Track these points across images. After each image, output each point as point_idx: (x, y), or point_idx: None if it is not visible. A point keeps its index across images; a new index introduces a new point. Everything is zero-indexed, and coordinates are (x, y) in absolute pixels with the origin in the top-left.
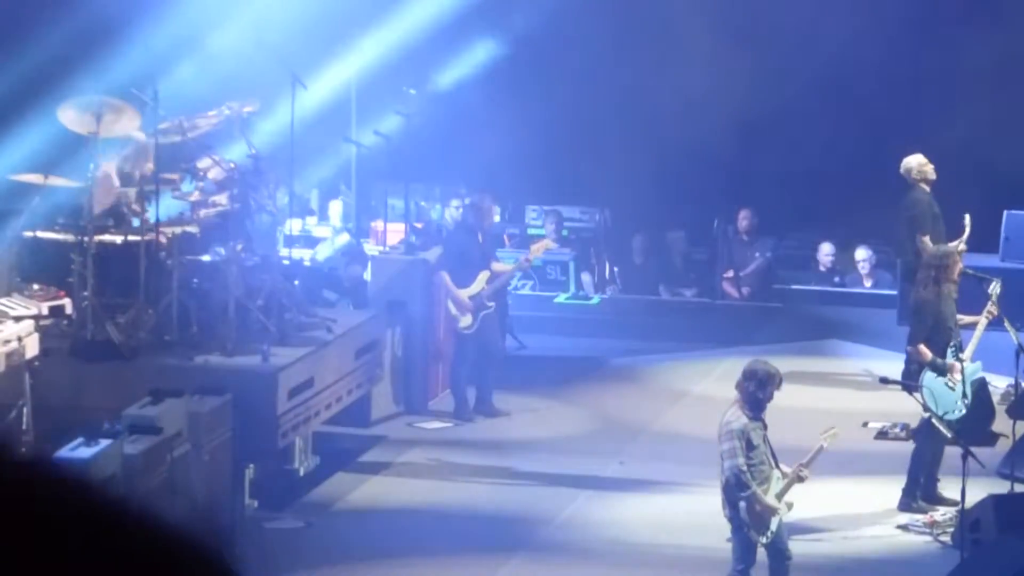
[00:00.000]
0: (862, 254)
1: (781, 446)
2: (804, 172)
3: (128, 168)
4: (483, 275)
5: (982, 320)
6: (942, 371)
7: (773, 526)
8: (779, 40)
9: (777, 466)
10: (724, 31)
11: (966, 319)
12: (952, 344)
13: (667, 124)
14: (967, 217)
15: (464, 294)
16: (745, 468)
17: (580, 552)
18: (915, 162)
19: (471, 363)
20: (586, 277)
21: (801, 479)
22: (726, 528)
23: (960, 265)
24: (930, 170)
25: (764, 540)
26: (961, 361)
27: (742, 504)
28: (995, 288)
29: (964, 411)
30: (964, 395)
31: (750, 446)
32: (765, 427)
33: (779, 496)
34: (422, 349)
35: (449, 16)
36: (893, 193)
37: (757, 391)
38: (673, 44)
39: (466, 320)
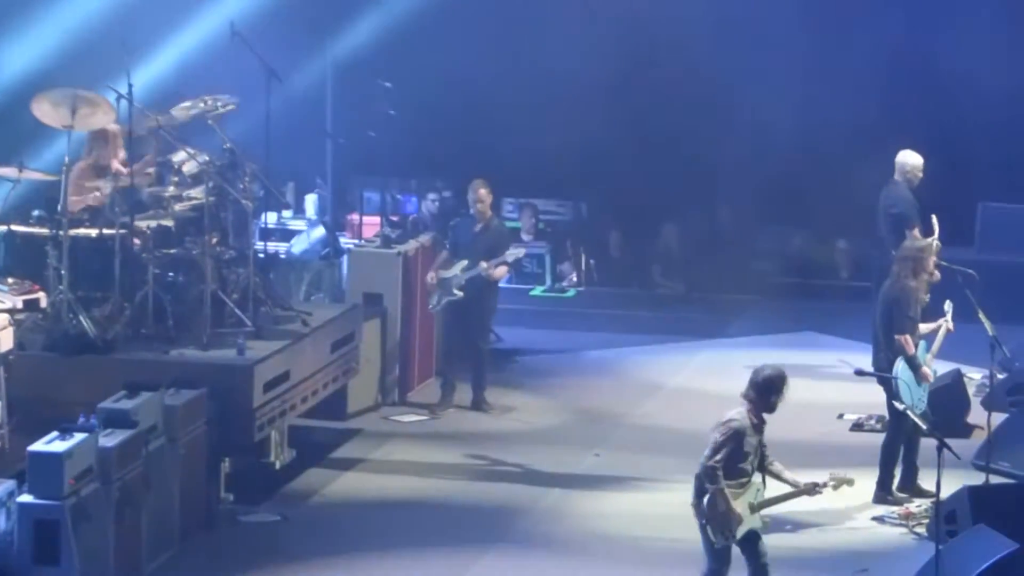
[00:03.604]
0: (841, 246)
1: None
2: (780, 165)
3: (94, 157)
4: (462, 263)
5: (940, 334)
6: (916, 369)
7: (738, 533)
8: (756, 33)
9: (763, 477)
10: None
11: (924, 327)
12: (921, 338)
13: (645, 118)
14: (934, 217)
15: (436, 273)
16: (720, 465)
17: (555, 545)
18: (913, 161)
19: (445, 350)
20: (567, 269)
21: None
22: None
23: (934, 258)
24: (919, 176)
25: (717, 544)
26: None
27: (706, 497)
28: (948, 306)
29: (924, 407)
30: (925, 392)
31: (739, 450)
32: (762, 433)
33: (753, 507)
34: (398, 342)
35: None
36: (869, 187)
37: (778, 397)
38: (650, 39)
39: (432, 299)
